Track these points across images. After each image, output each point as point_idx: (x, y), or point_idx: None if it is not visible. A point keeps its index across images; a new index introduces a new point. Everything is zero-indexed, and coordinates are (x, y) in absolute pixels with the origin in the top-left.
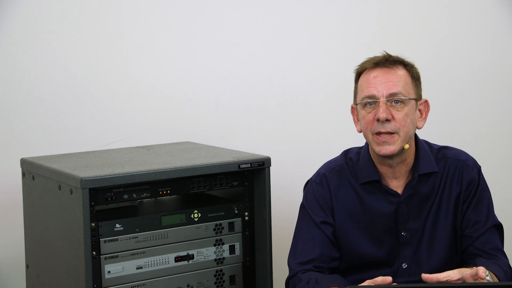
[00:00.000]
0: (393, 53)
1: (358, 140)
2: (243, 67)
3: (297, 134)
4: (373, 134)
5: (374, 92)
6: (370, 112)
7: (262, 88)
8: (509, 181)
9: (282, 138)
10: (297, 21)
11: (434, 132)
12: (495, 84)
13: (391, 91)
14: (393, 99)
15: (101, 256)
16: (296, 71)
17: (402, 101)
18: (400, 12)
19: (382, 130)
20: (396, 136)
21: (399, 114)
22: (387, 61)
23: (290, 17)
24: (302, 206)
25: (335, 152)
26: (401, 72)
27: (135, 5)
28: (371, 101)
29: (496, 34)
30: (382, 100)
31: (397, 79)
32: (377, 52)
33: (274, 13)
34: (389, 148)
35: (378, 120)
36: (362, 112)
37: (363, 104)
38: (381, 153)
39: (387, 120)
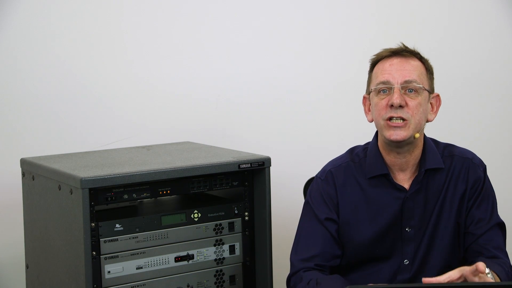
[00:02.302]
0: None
1: (358, 140)
2: (243, 67)
3: (297, 134)
4: (384, 120)
5: (389, 78)
6: (384, 98)
7: (262, 88)
8: (510, 181)
9: (282, 138)
10: (297, 20)
11: (435, 131)
12: (496, 83)
13: (406, 78)
14: (408, 86)
15: (101, 256)
16: (296, 71)
17: (416, 90)
18: (400, 11)
19: (395, 115)
20: (408, 122)
21: (412, 102)
22: (404, 51)
23: (290, 17)
24: (306, 203)
25: (335, 151)
26: (416, 62)
27: (135, 6)
28: (385, 88)
29: (496, 34)
30: (397, 86)
31: (412, 68)
32: (376, 51)
33: (274, 12)
34: (400, 134)
35: (391, 106)
36: (375, 99)
37: (377, 90)
38: (391, 138)
39: (400, 107)
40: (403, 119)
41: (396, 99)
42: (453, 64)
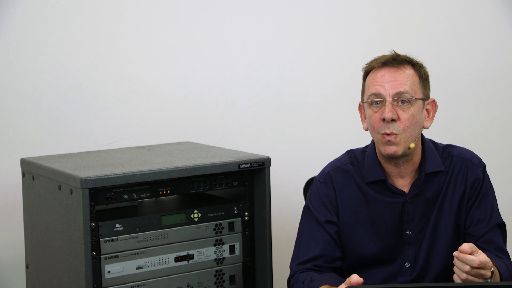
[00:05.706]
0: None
1: (358, 140)
2: (243, 67)
3: (297, 134)
4: (379, 134)
5: (380, 90)
6: (377, 111)
7: (262, 88)
8: (510, 181)
9: (282, 138)
10: (297, 21)
11: (435, 131)
12: (496, 83)
13: (398, 90)
14: (400, 98)
15: (101, 256)
16: (296, 71)
17: (408, 101)
18: (400, 11)
19: (387, 131)
20: (398, 136)
21: (405, 114)
22: (395, 60)
23: (290, 17)
24: (306, 207)
25: (335, 151)
26: (408, 71)
27: (135, 5)
28: (377, 100)
29: (496, 34)
30: (389, 99)
31: (404, 79)
32: (376, 52)
33: (274, 13)
34: (393, 148)
35: (383, 120)
36: (369, 111)
37: (369, 102)
38: (385, 153)
39: (393, 120)
40: (395, 134)
41: (387, 113)
42: (453, 64)
